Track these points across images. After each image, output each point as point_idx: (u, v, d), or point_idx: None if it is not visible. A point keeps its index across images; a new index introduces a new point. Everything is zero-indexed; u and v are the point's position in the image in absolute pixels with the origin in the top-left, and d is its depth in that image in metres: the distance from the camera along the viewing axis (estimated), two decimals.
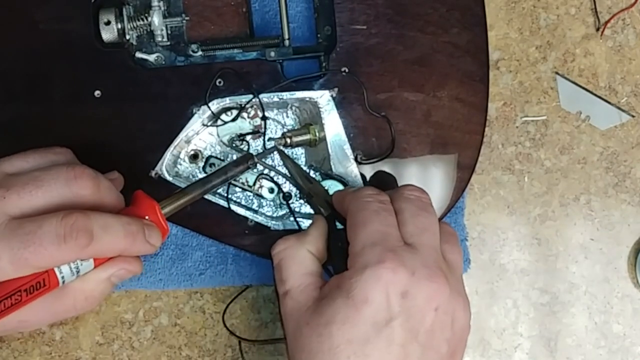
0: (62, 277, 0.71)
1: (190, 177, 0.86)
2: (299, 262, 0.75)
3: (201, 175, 0.86)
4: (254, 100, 0.83)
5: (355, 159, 0.84)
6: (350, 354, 0.67)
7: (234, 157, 0.85)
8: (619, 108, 0.92)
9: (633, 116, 0.92)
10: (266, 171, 0.85)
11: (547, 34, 0.92)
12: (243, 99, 0.83)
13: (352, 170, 0.84)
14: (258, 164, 0.83)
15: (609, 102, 0.92)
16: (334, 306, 0.68)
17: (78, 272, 0.71)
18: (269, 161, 0.86)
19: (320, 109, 0.83)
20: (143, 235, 0.72)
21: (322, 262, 0.77)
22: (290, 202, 0.84)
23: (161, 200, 0.76)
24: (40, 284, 0.69)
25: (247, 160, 0.81)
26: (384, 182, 0.85)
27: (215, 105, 0.83)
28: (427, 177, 0.85)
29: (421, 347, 0.68)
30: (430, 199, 0.77)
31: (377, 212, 0.72)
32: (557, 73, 0.92)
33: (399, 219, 0.73)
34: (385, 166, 0.84)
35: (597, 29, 0.93)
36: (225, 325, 0.91)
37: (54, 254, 0.67)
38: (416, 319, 0.68)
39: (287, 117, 0.86)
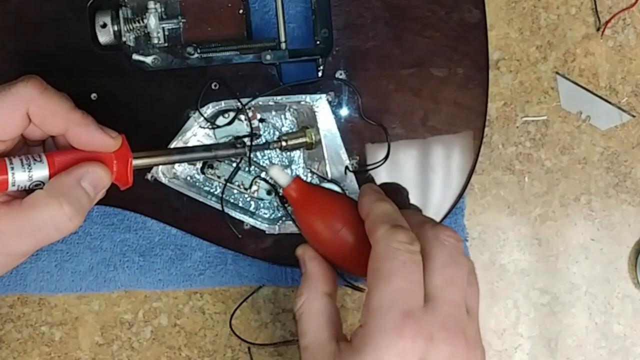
0: (13, 172, 0.69)
1: (188, 178, 0.86)
2: (317, 313, 0.74)
3: (200, 178, 0.86)
4: (250, 103, 0.83)
5: (347, 169, 0.83)
6: None
7: (232, 159, 0.85)
8: (619, 108, 0.92)
9: (633, 116, 0.92)
10: (263, 174, 0.85)
11: (547, 34, 0.92)
12: (239, 102, 0.83)
13: (348, 174, 0.83)
14: (247, 157, 0.83)
15: (609, 102, 0.92)
16: None
17: (31, 173, 0.69)
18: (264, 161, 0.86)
19: (316, 113, 0.82)
20: (95, 121, 0.72)
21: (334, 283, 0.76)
22: (286, 204, 0.84)
23: (137, 152, 0.75)
24: None
25: (235, 145, 0.79)
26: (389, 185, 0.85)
27: (211, 108, 0.83)
28: (425, 180, 0.85)
29: None
30: (462, 246, 0.72)
31: (405, 264, 0.68)
32: (557, 73, 0.92)
33: (426, 266, 0.70)
34: (383, 170, 0.84)
35: (598, 29, 0.92)
36: (232, 331, 0.91)
37: (4, 100, 0.68)
38: None
39: (285, 119, 0.86)
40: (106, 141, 0.71)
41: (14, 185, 0.69)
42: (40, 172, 0.70)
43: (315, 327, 0.73)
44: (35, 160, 0.70)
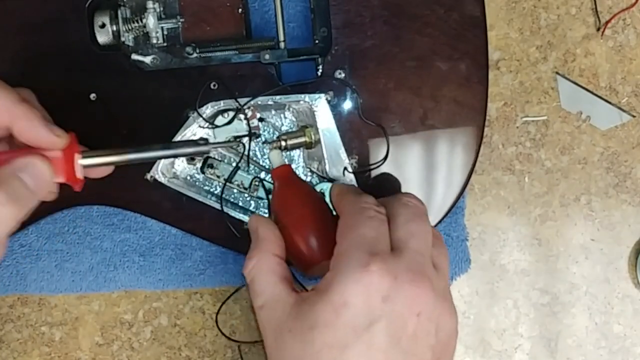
0: None
1: (188, 178, 0.86)
2: (269, 271, 0.74)
3: (199, 177, 0.86)
4: (249, 102, 0.83)
5: (345, 169, 0.83)
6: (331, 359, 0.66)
7: (232, 158, 0.85)
8: (619, 108, 0.92)
9: (634, 116, 0.92)
10: (262, 175, 0.85)
11: (547, 34, 0.92)
12: (237, 102, 0.83)
13: (347, 173, 0.83)
14: (246, 157, 0.84)
15: (609, 102, 0.92)
16: (314, 310, 0.67)
17: None
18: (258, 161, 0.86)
19: (315, 112, 0.82)
20: (42, 117, 0.70)
21: (285, 257, 0.76)
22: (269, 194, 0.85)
23: (88, 151, 0.73)
24: None
25: (197, 143, 0.77)
26: (389, 184, 0.85)
27: (210, 108, 0.83)
28: (425, 179, 0.85)
29: (403, 353, 0.66)
30: (426, 210, 0.75)
31: (372, 218, 0.71)
32: (557, 73, 0.92)
33: (391, 225, 0.72)
34: (382, 169, 0.84)
35: (598, 29, 0.92)
36: (219, 330, 0.91)
37: None
38: (398, 324, 0.66)
39: (285, 118, 0.86)
40: (51, 139, 0.70)
41: None
42: None
43: (270, 284, 0.73)
44: None
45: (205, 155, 0.85)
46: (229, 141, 0.84)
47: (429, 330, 0.68)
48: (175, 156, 0.78)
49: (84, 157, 0.72)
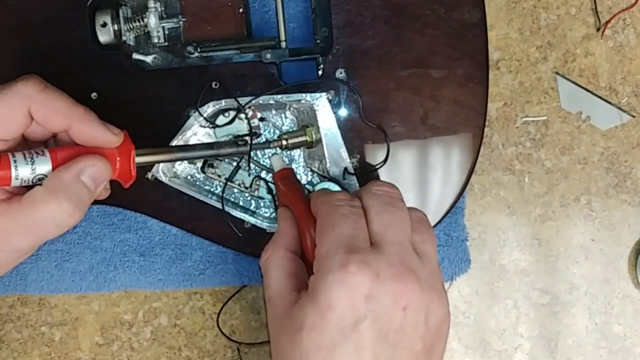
0: (16, 167, 0.69)
1: (189, 177, 0.86)
2: (278, 266, 0.74)
3: (200, 177, 0.86)
4: (250, 102, 0.83)
5: (346, 171, 0.83)
6: None
7: (233, 157, 0.85)
8: (619, 108, 0.92)
9: (634, 116, 0.92)
10: (263, 174, 0.85)
11: (547, 34, 0.92)
12: (237, 101, 0.83)
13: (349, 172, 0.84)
14: (247, 156, 0.84)
15: (609, 103, 0.92)
16: (302, 312, 0.68)
17: (34, 167, 0.69)
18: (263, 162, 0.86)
19: (317, 112, 0.82)
20: (97, 117, 0.72)
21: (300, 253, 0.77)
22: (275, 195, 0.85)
23: (140, 149, 0.75)
24: None
25: (237, 143, 0.80)
26: None
27: (211, 107, 0.83)
28: (425, 179, 0.85)
29: (392, 347, 0.67)
30: (399, 192, 0.75)
31: (346, 215, 0.71)
32: (557, 73, 0.92)
33: (367, 217, 0.72)
34: (382, 170, 0.84)
35: (598, 29, 0.92)
36: (220, 330, 0.91)
37: (6, 100, 0.69)
38: (384, 321, 0.67)
39: (286, 117, 0.86)
40: (109, 137, 0.72)
41: (17, 179, 0.69)
42: (43, 166, 0.70)
43: (277, 279, 0.73)
44: (37, 154, 0.70)
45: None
46: (266, 142, 0.84)
47: (417, 322, 0.68)
48: (217, 156, 0.81)
49: (137, 155, 0.74)
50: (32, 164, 0.69)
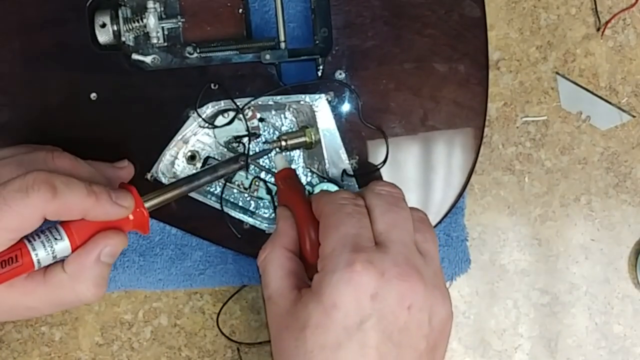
0: (36, 255, 0.70)
1: None
2: (277, 265, 0.74)
3: None
4: (250, 103, 0.83)
5: (344, 173, 0.84)
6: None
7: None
8: (619, 108, 0.92)
9: (634, 116, 0.92)
10: (262, 175, 0.85)
11: (547, 34, 0.92)
12: (234, 103, 0.83)
13: (348, 172, 0.84)
14: (251, 164, 0.83)
15: (609, 102, 0.92)
16: (307, 311, 0.68)
17: (53, 251, 0.71)
18: (264, 163, 0.86)
19: (316, 113, 0.82)
20: (108, 195, 0.72)
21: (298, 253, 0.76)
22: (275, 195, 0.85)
23: (145, 194, 0.76)
24: (12, 259, 0.69)
25: (237, 160, 0.81)
26: None
27: (210, 108, 0.83)
28: (425, 179, 0.85)
29: (396, 347, 0.67)
30: (402, 193, 0.75)
31: (351, 214, 0.71)
32: (557, 73, 0.92)
33: (371, 217, 0.72)
34: (383, 170, 0.84)
35: (598, 29, 0.92)
36: (220, 330, 0.91)
37: (19, 210, 0.67)
38: (388, 320, 0.67)
39: (285, 118, 0.86)
40: (120, 212, 0.73)
41: (39, 264, 0.71)
42: (62, 247, 0.72)
43: (277, 278, 0.73)
44: (54, 237, 0.71)
45: (206, 155, 0.85)
46: (263, 150, 0.85)
47: (421, 321, 0.68)
48: (223, 177, 0.82)
49: (146, 201, 0.76)
50: (51, 248, 0.71)
